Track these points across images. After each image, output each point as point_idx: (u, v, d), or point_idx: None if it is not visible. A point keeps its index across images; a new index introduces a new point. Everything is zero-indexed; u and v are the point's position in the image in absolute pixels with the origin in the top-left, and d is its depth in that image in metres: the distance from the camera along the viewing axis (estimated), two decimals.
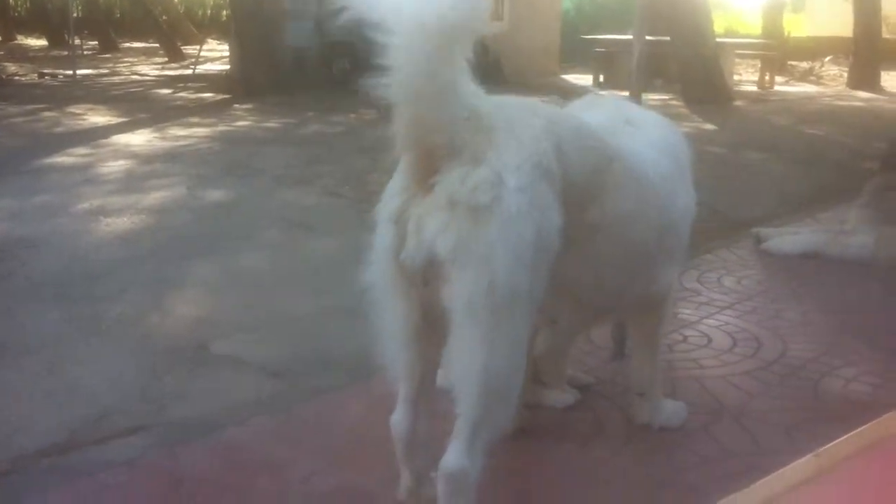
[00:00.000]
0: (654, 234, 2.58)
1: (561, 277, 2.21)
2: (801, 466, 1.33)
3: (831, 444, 1.40)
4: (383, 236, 2.16)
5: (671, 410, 2.95)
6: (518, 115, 2.20)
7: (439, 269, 2.05)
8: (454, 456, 2.10)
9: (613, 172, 2.40)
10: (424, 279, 2.10)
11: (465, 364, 2.07)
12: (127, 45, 25.59)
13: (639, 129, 2.76)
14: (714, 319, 3.91)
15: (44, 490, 2.60)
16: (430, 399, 2.34)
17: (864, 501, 1.29)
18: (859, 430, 1.46)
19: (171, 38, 22.21)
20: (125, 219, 5.91)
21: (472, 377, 2.06)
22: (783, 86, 16.57)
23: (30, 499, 2.54)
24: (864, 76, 16.10)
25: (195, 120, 10.83)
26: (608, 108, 2.83)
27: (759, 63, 17.05)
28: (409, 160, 2.14)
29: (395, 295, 2.19)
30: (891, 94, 15.25)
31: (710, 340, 3.68)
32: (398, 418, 2.34)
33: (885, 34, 18.23)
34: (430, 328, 2.18)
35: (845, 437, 1.42)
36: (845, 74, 17.21)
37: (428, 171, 2.08)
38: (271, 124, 10.59)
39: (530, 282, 2.07)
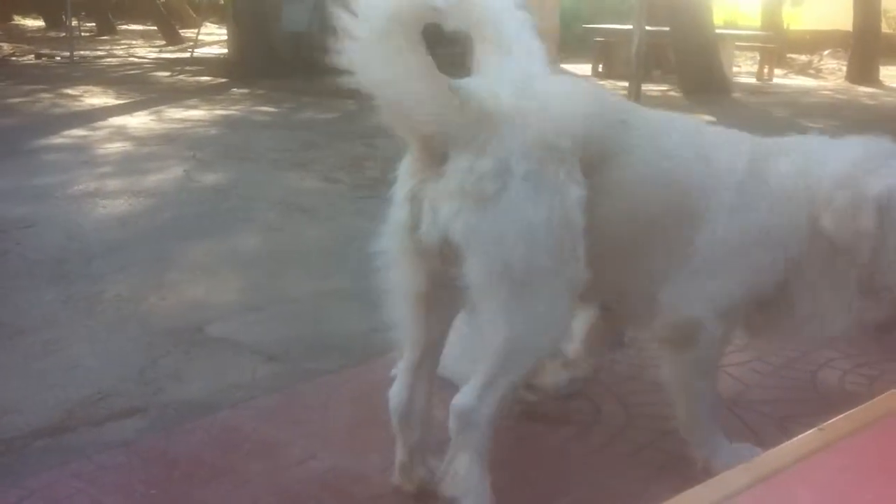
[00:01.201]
0: (670, 217, 2.34)
1: None
2: (806, 439, 1.33)
3: (835, 418, 1.40)
4: (398, 212, 2.22)
5: (730, 452, 2.48)
6: (516, 94, 2.11)
7: (455, 250, 2.11)
8: (464, 394, 2.19)
9: (627, 133, 2.32)
10: (442, 256, 2.16)
11: (487, 337, 2.16)
12: (124, 27, 25.50)
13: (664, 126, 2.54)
14: None
15: (39, 471, 2.58)
16: (430, 376, 2.40)
17: (869, 473, 1.29)
18: (865, 405, 1.46)
19: (169, 21, 22.16)
20: (122, 200, 5.90)
21: (494, 348, 2.15)
22: (782, 78, 16.55)
23: (25, 480, 2.53)
24: (863, 70, 16.06)
25: (192, 103, 10.80)
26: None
27: (758, 55, 17.00)
28: (415, 146, 2.18)
29: (404, 265, 2.26)
30: (889, 89, 15.23)
31: None
32: (396, 389, 2.39)
33: (885, 28, 18.21)
34: (438, 302, 2.28)
35: (850, 412, 1.42)
36: (844, 68, 17.16)
37: (436, 156, 2.11)
38: (268, 108, 10.57)
39: (552, 258, 2.11)
